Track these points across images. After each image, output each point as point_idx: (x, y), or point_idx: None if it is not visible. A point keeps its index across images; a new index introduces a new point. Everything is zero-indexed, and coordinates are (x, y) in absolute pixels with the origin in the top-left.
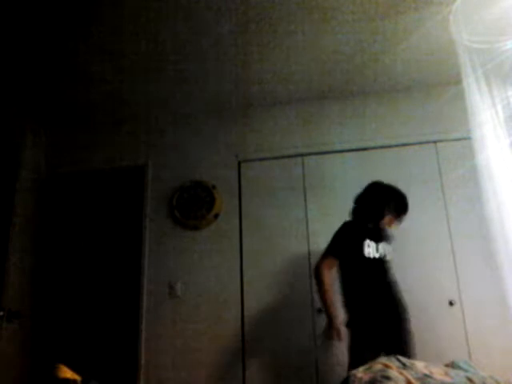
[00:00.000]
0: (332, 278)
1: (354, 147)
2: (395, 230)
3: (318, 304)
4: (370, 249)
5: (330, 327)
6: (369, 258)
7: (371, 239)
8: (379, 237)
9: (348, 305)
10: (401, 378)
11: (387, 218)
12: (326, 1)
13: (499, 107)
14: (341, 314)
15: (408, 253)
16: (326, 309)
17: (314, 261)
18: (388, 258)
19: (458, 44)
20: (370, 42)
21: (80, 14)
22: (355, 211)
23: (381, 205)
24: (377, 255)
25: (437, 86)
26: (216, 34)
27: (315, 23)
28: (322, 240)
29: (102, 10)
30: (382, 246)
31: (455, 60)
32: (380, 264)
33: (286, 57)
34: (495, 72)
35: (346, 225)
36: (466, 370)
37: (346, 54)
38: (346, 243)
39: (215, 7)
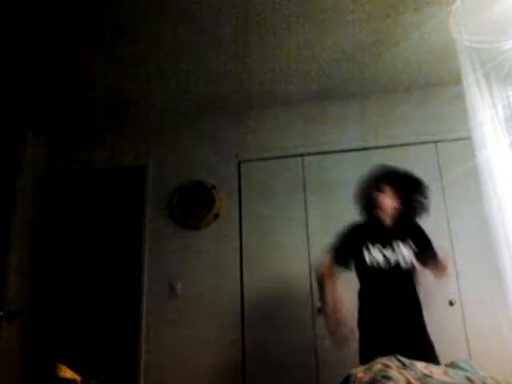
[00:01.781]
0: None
1: (354, 147)
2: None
3: (318, 304)
4: (372, 255)
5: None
6: (373, 269)
7: (373, 241)
8: (388, 235)
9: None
10: (401, 377)
11: (383, 195)
12: (326, 1)
13: (499, 107)
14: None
15: None
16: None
17: (313, 260)
18: (404, 264)
19: (458, 44)
20: (370, 41)
21: (81, 14)
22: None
23: (364, 184)
24: (381, 263)
25: (437, 85)
26: (216, 34)
27: (315, 23)
28: (322, 240)
29: (102, 10)
30: (393, 248)
31: (455, 60)
32: (388, 276)
33: (286, 57)
34: (495, 72)
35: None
36: (465, 370)
37: (346, 54)
38: (344, 248)
39: (215, 7)
